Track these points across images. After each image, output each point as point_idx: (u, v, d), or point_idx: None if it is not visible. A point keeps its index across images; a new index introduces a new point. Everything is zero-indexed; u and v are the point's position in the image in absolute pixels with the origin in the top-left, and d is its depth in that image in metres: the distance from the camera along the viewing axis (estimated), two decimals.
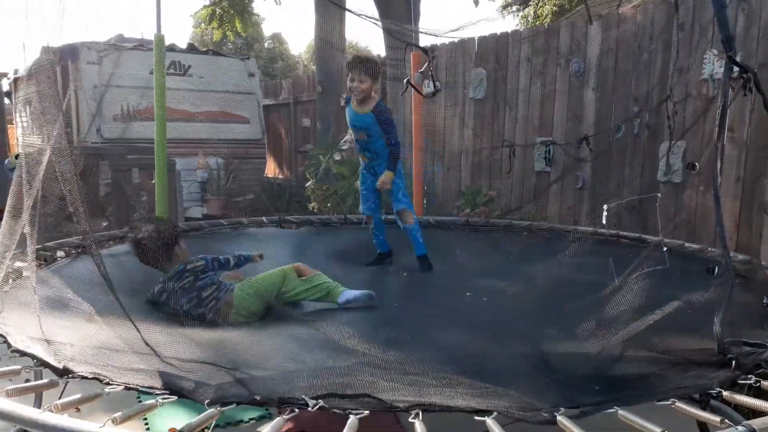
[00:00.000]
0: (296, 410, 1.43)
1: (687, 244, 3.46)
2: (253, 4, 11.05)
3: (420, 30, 5.95)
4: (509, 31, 6.08)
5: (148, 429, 2.57)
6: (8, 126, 9.85)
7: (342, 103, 3.66)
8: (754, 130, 4.10)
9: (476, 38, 6.25)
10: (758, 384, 1.58)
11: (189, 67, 8.01)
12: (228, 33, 10.94)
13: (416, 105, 5.15)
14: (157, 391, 1.52)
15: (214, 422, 1.43)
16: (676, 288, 2.16)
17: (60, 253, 3.08)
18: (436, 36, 5.76)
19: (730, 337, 1.67)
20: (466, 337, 2.20)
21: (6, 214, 2.18)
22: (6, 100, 9.69)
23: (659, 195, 4.37)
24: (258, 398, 1.48)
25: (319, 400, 1.43)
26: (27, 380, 1.81)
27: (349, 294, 2.67)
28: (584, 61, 5.28)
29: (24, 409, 1.39)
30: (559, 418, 1.37)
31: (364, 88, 3.42)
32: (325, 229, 4.61)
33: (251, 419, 2.66)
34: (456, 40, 6.34)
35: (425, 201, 5.48)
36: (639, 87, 4.88)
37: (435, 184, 6.75)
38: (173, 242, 2.72)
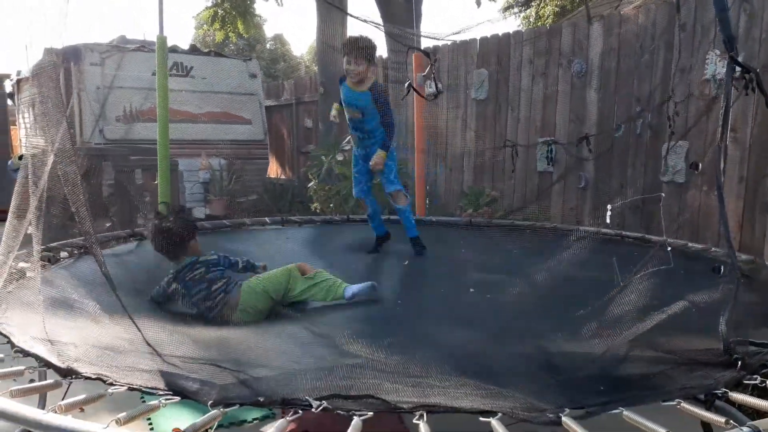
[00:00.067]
0: (300, 411, 1.43)
1: (690, 244, 3.45)
2: (255, 6, 11.08)
3: (422, 33, 5.95)
4: (511, 32, 6.07)
5: (152, 429, 2.57)
6: (11, 127, 9.87)
7: (339, 84, 3.66)
8: (757, 130, 4.09)
9: (478, 39, 6.25)
10: (764, 384, 1.57)
11: (191, 68, 8.02)
12: (230, 34, 10.97)
13: (418, 107, 5.15)
14: (161, 392, 1.52)
15: (217, 422, 1.43)
16: (681, 288, 2.15)
17: (63, 254, 3.09)
18: (438, 39, 5.78)
19: (735, 337, 1.66)
20: (470, 337, 2.19)
21: (10, 215, 2.18)
22: (9, 101, 9.72)
23: (663, 195, 4.36)
24: (262, 399, 1.47)
25: (323, 401, 1.42)
26: (31, 380, 1.81)
27: (353, 288, 2.70)
28: (586, 62, 5.27)
29: (28, 409, 1.39)
30: (564, 418, 1.36)
31: (361, 70, 3.44)
32: (328, 227, 4.63)
33: (254, 419, 2.66)
34: (458, 41, 6.34)
35: (428, 202, 5.48)
36: (641, 87, 4.87)
37: (437, 185, 6.75)
38: (191, 235, 2.75)
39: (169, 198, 4.59)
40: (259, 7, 24.60)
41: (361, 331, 2.16)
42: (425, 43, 6.14)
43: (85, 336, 1.89)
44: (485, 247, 4.04)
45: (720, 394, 1.51)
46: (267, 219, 4.55)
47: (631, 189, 4.94)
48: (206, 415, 1.38)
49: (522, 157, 5.76)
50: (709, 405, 1.51)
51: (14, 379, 1.69)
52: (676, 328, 1.88)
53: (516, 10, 14.69)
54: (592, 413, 1.41)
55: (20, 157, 5.95)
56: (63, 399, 1.47)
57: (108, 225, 4.94)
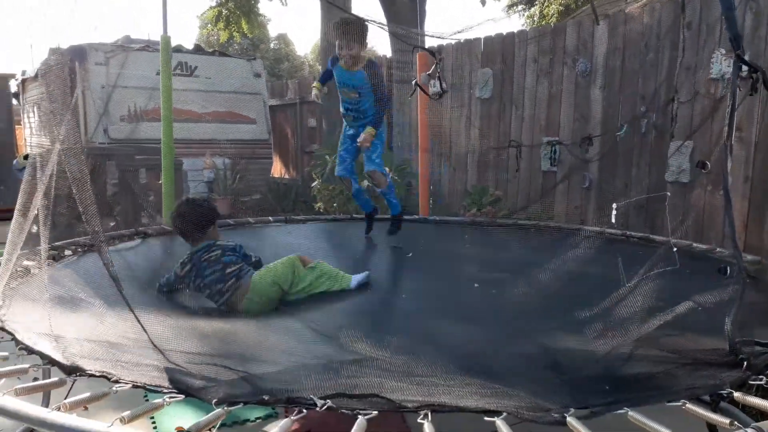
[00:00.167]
0: (304, 410, 1.42)
1: (695, 244, 3.44)
2: (260, 5, 11.08)
3: (426, 33, 5.96)
4: (515, 31, 6.07)
5: (155, 428, 2.57)
6: (16, 127, 9.90)
7: (329, 65, 3.65)
8: (763, 129, 4.07)
9: (482, 38, 6.24)
10: None
11: (195, 67, 8.03)
12: (234, 34, 10.95)
13: (422, 106, 5.15)
14: (165, 390, 1.52)
15: (220, 422, 1.43)
16: (686, 287, 2.14)
17: (67, 252, 3.10)
18: (443, 38, 5.77)
19: (741, 337, 1.65)
20: (475, 336, 2.19)
21: (16, 213, 2.19)
22: (14, 101, 9.75)
23: (668, 194, 4.35)
24: (266, 398, 1.47)
25: (328, 400, 1.42)
26: (35, 379, 1.82)
27: (358, 277, 2.81)
28: (591, 61, 5.26)
29: (32, 408, 1.39)
30: (568, 419, 1.36)
31: (353, 53, 3.42)
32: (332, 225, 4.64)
33: (257, 418, 2.66)
34: (462, 40, 6.34)
35: (431, 201, 5.48)
36: (646, 86, 4.86)
37: (441, 184, 6.74)
38: (212, 221, 2.81)
39: (173, 198, 4.60)
40: (263, 7, 24.69)
41: (365, 328, 2.15)
42: (429, 43, 6.14)
43: (90, 333, 1.89)
44: (489, 246, 4.04)
45: (725, 395, 1.51)
46: (271, 218, 4.56)
47: (635, 189, 4.93)
48: (210, 414, 1.38)
49: (526, 156, 5.75)
50: (714, 406, 1.51)
51: (18, 377, 1.69)
52: (681, 328, 1.87)
53: (520, 8, 14.67)
54: (597, 413, 1.40)
55: (25, 157, 5.97)
56: (67, 397, 1.47)
57: (112, 224, 4.96)
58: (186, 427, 1.32)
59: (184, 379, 1.56)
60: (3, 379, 1.64)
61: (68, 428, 1.32)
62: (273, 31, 25.23)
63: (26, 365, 1.70)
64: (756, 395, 1.51)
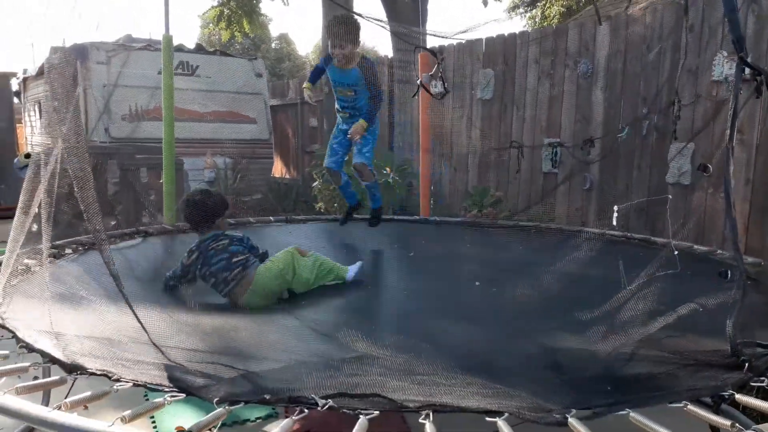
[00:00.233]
0: (305, 410, 1.42)
1: (696, 246, 3.44)
2: (261, 5, 11.08)
3: (428, 32, 5.94)
4: (517, 32, 6.06)
5: (155, 427, 2.57)
6: (17, 125, 9.90)
7: (321, 64, 3.65)
8: (765, 132, 4.07)
9: (484, 39, 6.24)
10: None
11: (197, 67, 8.04)
12: (236, 33, 10.96)
13: (424, 106, 5.14)
14: (166, 389, 1.52)
15: (221, 421, 1.42)
16: (687, 289, 2.14)
17: (68, 251, 3.10)
18: (445, 38, 5.77)
19: (742, 339, 1.65)
20: (477, 336, 2.19)
21: (18, 211, 2.19)
22: (15, 100, 9.75)
23: (670, 197, 4.35)
24: (268, 397, 1.47)
25: (329, 400, 1.42)
26: (35, 377, 1.81)
27: (353, 269, 2.92)
28: (592, 62, 5.26)
29: (32, 407, 1.39)
30: (570, 419, 1.36)
31: (346, 53, 3.42)
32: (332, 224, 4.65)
33: (258, 418, 2.66)
34: (464, 41, 6.33)
35: (432, 202, 5.48)
36: (648, 88, 4.85)
37: (442, 185, 6.74)
38: (221, 212, 2.87)
39: (174, 197, 4.60)
40: (265, 7, 24.64)
41: (367, 327, 2.15)
42: (431, 43, 6.14)
43: (90, 331, 1.89)
44: (490, 247, 4.03)
45: (726, 397, 1.51)
46: (271, 218, 4.56)
47: (636, 191, 4.92)
48: (211, 414, 1.38)
49: (527, 157, 5.75)
50: (716, 407, 1.51)
51: (19, 376, 1.69)
52: (682, 330, 1.87)
53: (522, 10, 14.68)
54: (598, 414, 1.40)
55: (27, 155, 5.97)
56: (67, 396, 1.47)
57: (113, 223, 4.96)
58: (186, 426, 1.32)
59: (184, 377, 1.56)
60: (3, 378, 1.64)
61: (69, 427, 1.32)
62: (274, 30, 25.26)
63: (27, 363, 1.70)
64: (756, 397, 1.51)
